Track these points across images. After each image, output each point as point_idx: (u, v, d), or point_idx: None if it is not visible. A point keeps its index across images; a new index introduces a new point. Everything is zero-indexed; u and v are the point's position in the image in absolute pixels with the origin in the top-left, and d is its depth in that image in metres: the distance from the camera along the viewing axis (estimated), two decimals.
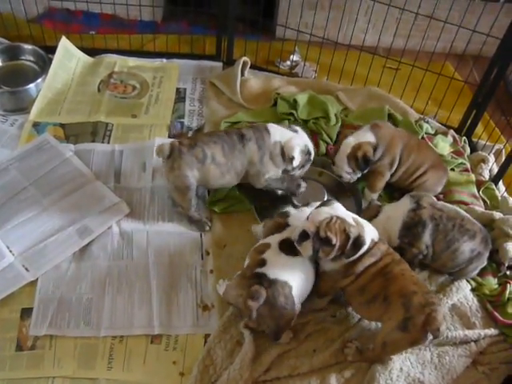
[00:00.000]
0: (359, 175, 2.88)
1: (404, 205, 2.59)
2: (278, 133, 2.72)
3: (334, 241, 2.11)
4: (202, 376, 2.23)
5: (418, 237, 2.53)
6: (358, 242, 2.14)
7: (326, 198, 2.87)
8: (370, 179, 2.95)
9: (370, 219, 2.54)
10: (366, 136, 2.81)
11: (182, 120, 3.36)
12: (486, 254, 2.63)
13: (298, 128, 2.82)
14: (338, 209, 2.20)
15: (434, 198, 2.71)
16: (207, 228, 2.78)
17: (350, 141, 2.80)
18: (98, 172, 2.97)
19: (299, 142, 2.73)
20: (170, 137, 3.21)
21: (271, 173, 2.73)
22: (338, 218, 2.13)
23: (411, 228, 2.54)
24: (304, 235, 2.15)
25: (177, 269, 2.61)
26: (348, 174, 2.86)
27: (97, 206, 2.78)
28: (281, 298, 2.15)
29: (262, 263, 2.23)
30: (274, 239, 2.32)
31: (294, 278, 2.21)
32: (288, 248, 2.25)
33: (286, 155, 2.69)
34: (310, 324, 2.43)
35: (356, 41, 3.60)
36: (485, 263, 2.65)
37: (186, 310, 2.48)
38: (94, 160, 3.04)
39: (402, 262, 2.27)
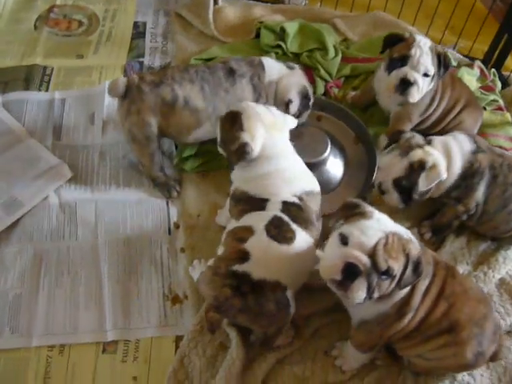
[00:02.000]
0: (432, 86, 2.20)
1: (463, 142, 1.98)
2: (274, 70, 2.25)
3: (396, 270, 1.45)
4: None
5: (472, 191, 1.97)
6: (419, 263, 1.50)
7: (329, 147, 2.29)
8: (391, 124, 2.35)
9: (408, 150, 1.92)
10: None
11: (140, 59, 2.83)
12: None
13: (295, 66, 2.34)
14: (383, 219, 1.52)
15: None
16: (175, 193, 2.27)
17: (423, 39, 2.14)
18: (32, 127, 2.46)
19: (296, 80, 2.26)
20: None
21: None
22: (393, 234, 1.46)
23: (467, 177, 1.96)
24: (352, 272, 1.45)
25: (136, 249, 2.11)
26: (424, 79, 2.14)
27: (29, 171, 2.26)
28: (269, 304, 1.60)
29: (244, 257, 1.62)
30: (258, 221, 1.71)
31: (290, 273, 1.65)
32: (279, 231, 1.68)
33: (280, 98, 2.22)
34: (317, 316, 1.94)
35: None
36: None
37: (150, 304, 1.98)
38: (27, 112, 2.52)
39: (455, 270, 1.69)
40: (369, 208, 1.53)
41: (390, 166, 1.93)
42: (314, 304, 1.91)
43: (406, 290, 1.55)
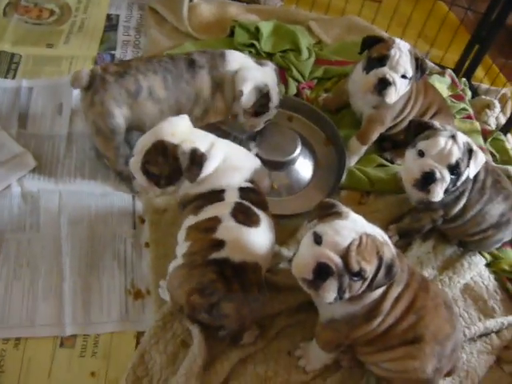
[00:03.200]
0: (408, 89, 2.16)
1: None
2: (236, 61, 2.15)
3: (368, 272, 1.41)
4: None
5: (462, 196, 1.93)
6: (392, 266, 1.47)
7: (299, 147, 2.27)
8: (363, 127, 2.31)
9: (450, 134, 1.82)
10: None
11: (112, 52, 2.76)
12: None
13: (269, 63, 2.24)
14: (359, 220, 1.48)
15: None
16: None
17: (402, 42, 2.10)
18: None
19: (257, 75, 2.13)
20: None
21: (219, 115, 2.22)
22: (367, 236, 1.42)
23: (466, 182, 1.90)
24: (323, 272, 1.41)
25: (99, 243, 2.04)
26: (402, 81, 2.08)
27: None
28: (253, 287, 1.58)
29: (219, 245, 1.60)
30: (221, 210, 1.68)
31: (263, 254, 1.65)
32: (245, 216, 1.67)
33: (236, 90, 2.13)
34: (282, 316, 1.90)
35: None
36: (510, 236, 2.12)
37: (111, 298, 1.91)
38: None
39: (429, 284, 1.66)
40: (345, 208, 1.49)
41: (446, 149, 1.79)
42: (280, 304, 1.87)
43: (378, 293, 1.52)
